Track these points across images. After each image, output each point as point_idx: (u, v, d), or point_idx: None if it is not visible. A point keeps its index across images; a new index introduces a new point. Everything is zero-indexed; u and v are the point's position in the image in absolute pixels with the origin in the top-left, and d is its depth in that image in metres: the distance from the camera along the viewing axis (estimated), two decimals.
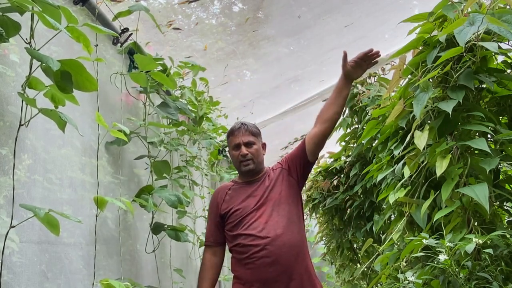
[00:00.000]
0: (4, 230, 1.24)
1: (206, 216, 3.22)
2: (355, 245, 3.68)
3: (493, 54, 1.69)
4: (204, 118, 2.88)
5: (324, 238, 4.03)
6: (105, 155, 1.97)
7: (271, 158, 4.61)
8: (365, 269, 3.16)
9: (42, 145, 1.53)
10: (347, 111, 3.33)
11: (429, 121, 1.76)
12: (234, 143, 2.12)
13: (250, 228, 1.97)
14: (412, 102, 1.68)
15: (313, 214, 3.96)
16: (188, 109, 2.59)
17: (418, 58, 1.81)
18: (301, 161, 2.09)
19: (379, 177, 2.10)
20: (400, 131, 1.97)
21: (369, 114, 2.91)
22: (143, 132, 2.19)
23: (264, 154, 2.18)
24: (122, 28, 2.17)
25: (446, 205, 1.59)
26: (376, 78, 3.31)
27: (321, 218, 3.98)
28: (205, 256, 2.13)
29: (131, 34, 2.18)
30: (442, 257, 1.44)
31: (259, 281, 1.92)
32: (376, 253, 2.21)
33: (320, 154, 2.13)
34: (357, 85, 3.26)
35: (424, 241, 1.51)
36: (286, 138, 5.12)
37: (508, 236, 1.47)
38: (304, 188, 3.60)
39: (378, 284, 2.15)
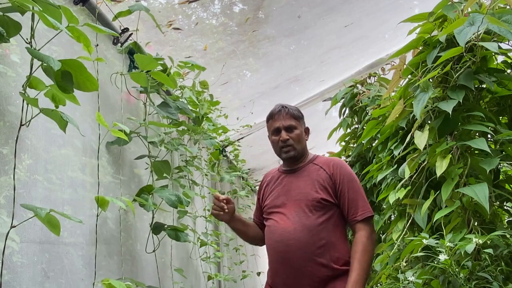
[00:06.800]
0: (5, 230, 1.24)
1: (207, 216, 3.24)
2: None
3: (493, 54, 1.70)
4: (204, 118, 2.88)
5: None
6: (105, 155, 1.97)
7: (272, 158, 4.61)
8: None
9: (43, 145, 1.53)
10: (347, 111, 3.33)
11: (429, 121, 1.76)
12: (274, 127, 1.98)
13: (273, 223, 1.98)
14: (412, 102, 1.68)
15: None
16: (189, 108, 2.59)
17: (418, 58, 1.81)
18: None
19: (379, 177, 2.11)
20: (400, 131, 1.97)
21: (369, 114, 2.90)
22: (144, 132, 2.19)
23: (307, 140, 2.03)
24: (122, 28, 2.17)
25: (446, 205, 1.59)
26: (376, 78, 3.31)
27: None
28: None
29: (131, 34, 2.18)
30: (442, 257, 1.44)
31: None
32: (376, 253, 2.21)
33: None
34: (357, 85, 3.26)
35: (424, 241, 1.52)
36: None
37: (508, 236, 1.47)
38: None
39: (378, 284, 2.15)
